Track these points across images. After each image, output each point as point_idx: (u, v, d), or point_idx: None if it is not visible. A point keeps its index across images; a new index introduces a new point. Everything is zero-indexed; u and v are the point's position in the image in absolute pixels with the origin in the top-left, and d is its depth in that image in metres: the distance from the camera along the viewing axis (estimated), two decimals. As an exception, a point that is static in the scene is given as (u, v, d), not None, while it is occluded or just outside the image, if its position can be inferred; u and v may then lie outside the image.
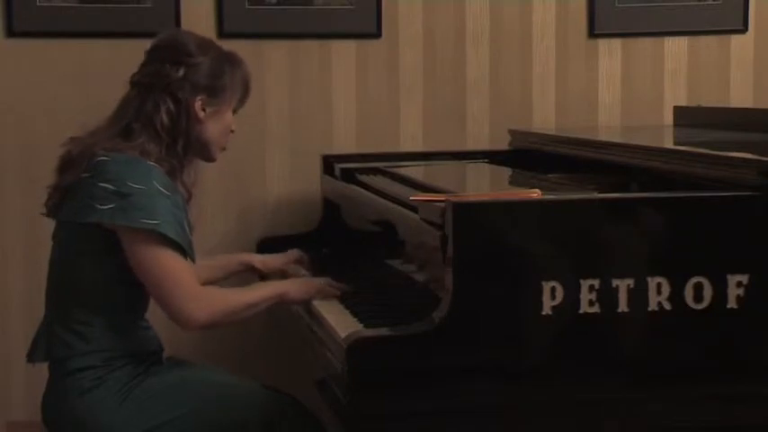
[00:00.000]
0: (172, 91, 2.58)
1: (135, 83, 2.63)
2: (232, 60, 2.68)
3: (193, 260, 2.55)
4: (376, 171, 3.17)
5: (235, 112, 2.70)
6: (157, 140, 2.55)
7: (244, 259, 3.07)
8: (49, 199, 2.60)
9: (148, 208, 2.44)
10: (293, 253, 3.11)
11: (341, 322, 2.48)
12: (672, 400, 2.28)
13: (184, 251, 2.49)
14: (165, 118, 2.56)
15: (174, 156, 2.58)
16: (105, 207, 2.44)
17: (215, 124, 2.64)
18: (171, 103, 2.58)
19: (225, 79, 2.64)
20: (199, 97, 2.60)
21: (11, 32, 3.46)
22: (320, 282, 2.74)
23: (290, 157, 3.63)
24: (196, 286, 2.49)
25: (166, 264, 2.46)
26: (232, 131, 2.71)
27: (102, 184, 2.46)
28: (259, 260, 3.07)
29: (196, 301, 2.46)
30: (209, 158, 2.70)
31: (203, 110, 2.61)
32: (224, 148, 2.72)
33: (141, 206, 2.43)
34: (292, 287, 2.69)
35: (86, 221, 2.47)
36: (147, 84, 2.60)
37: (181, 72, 2.59)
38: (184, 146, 2.60)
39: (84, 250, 2.52)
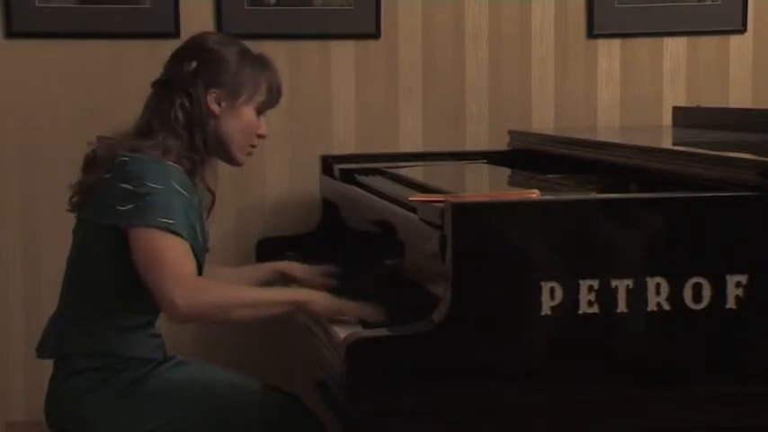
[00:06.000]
0: (185, 86, 2.59)
1: (154, 83, 2.65)
2: (257, 61, 2.68)
3: (200, 264, 2.53)
4: (375, 171, 3.17)
5: (260, 113, 2.68)
6: (176, 136, 2.56)
7: (275, 267, 2.98)
8: (72, 196, 2.61)
9: (165, 207, 2.44)
10: (328, 268, 2.97)
11: (340, 322, 2.48)
12: (671, 400, 2.28)
13: (196, 253, 2.49)
14: (179, 113, 2.57)
15: (195, 151, 2.58)
16: (124, 208, 2.44)
17: (233, 120, 2.64)
18: (185, 98, 2.58)
19: (243, 75, 2.63)
20: (212, 91, 2.61)
21: (10, 33, 3.46)
22: (351, 306, 2.52)
23: (289, 157, 3.63)
24: (187, 273, 2.43)
25: (163, 251, 2.42)
26: (261, 136, 2.70)
27: (122, 185, 2.46)
28: (287, 266, 2.98)
29: (183, 286, 2.39)
30: (232, 160, 2.69)
31: (218, 104, 2.61)
32: (250, 153, 2.71)
33: (158, 205, 2.43)
34: (314, 297, 2.54)
35: (105, 222, 2.47)
36: (164, 83, 2.62)
37: (193, 65, 2.60)
38: (204, 141, 2.59)
39: (100, 250, 2.52)
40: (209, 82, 2.60)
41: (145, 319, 2.58)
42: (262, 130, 2.70)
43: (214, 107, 2.61)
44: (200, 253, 2.53)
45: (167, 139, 2.55)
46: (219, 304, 2.47)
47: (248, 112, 2.66)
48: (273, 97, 2.70)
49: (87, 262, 2.55)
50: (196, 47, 2.65)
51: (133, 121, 2.62)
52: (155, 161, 2.51)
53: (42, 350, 2.61)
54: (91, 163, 2.57)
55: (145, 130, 2.58)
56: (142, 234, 2.44)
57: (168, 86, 2.61)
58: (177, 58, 2.65)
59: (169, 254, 2.43)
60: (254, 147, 2.72)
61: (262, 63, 2.69)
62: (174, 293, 2.38)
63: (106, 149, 2.55)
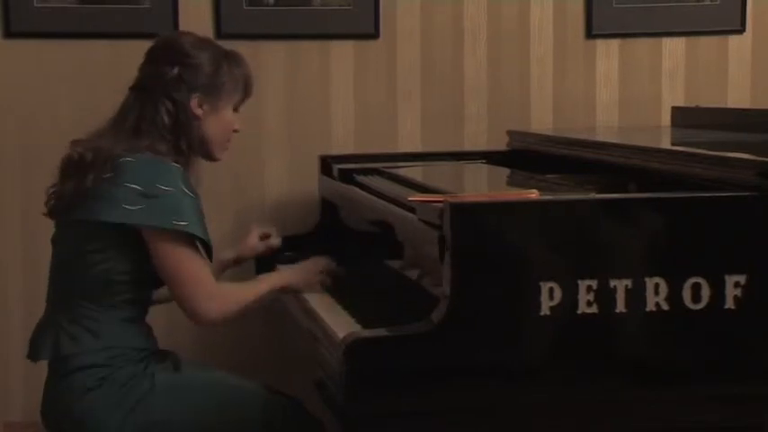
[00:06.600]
0: (168, 91, 2.61)
1: (133, 86, 2.66)
2: (231, 59, 2.71)
3: (211, 259, 2.60)
4: (374, 172, 3.17)
5: (236, 110, 2.73)
6: (164, 140, 2.59)
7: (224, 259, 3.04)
8: (54, 200, 2.61)
9: (177, 209, 2.49)
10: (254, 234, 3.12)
11: (339, 323, 2.49)
12: (670, 400, 2.28)
13: (208, 249, 2.56)
14: (165, 118, 2.60)
15: (181, 154, 2.62)
16: (134, 208, 2.47)
17: (214, 122, 2.67)
18: (169, 104, 2.61)
19: (222, 77, 2.67)
20: (195, 95, 2.63)
21: (8, 33, 3.46)
22: (317, 264, 2.86)
23: (288, 157, 3.63)
24: (213, 284, 2.56)
25: (189, 264, 2.52)
26: (236, 131, 2.75)
27: (129, 185, 2.49)
28: (232, 256, 3.06)
29: (213, 299, 2.54)
30: (212, 157, 2.73)
31: (200, 107, 2.64)
32: (226, 149, 2.75)
33: (171, 208, 2.48)
34: (293, 278, 2.81)
35: (111, 221, 2.49)
36: (145, 86, 2.64)
37: (175, 71, 2.62)
38: (188, 144, 2.64)
39: (96, 248, 2.53)
40: (191, 86, 2.63)
41: (138, 311, 2.61)
42: (237, 126, 2.75)
43: (197, 111, 2.65)
44: (212, 248, 2.59)
45: (157, 143, 2.58)
46: (240, 307, 2.62)
47: (227, 112, 2.70)
48: (248, 92, 2.75)
49: (82, 261, 2.55)
50: (175, 51, 2.66)
51: (105, 123, 2.63)
52: (160, 162, 2.54)
53: (38, 353, 2.60)
54: (81, 165, 2.56)
55: (133, 133, 2.59)
56: (160, 237, 2.49)
57: (150, 91, 2.63)
58: (155, 62, 2.66)
59: (189, 263, 2.52)
60: (228, 142, 2.75)
61: (236, 61, 2.73)
62: (207, 306, 2.53)
63: (99, 151, 2.55)
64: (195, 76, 2.63)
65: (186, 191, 2.52)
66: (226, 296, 2.59)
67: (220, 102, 2.67)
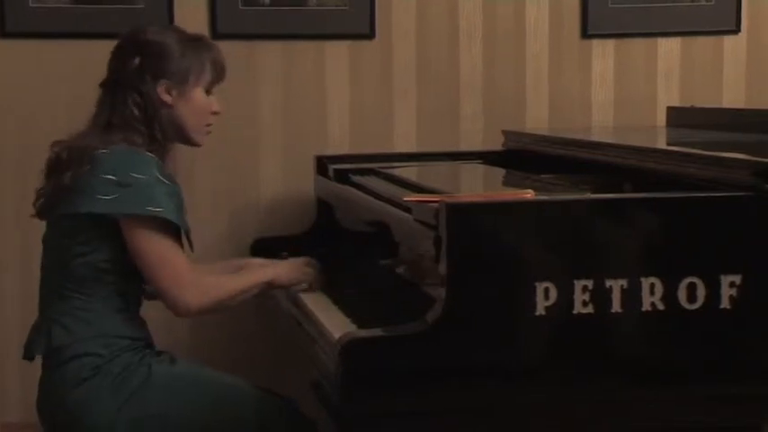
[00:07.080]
0: (133, 83, 2.63)
1: (102, 83, 2.69)
2: (195, 43, 2.72)
3: (191, 246, 2.60)
4: (369, 172, 3.17)
5: (209, 93, 2.72)
6: (138, 132, 2.61)
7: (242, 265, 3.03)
8: (41, 200, 2.63)
9: (152, 196, 2.50)
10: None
11: (335, 323, 2.49)
12: (667, 400, 2.28)
13: (187, 236, 2.57)
14: (134, 110, 2.62)
15: (156, 143, 2.63)
16: (109, 197, 2.49)
17: (186, 106, 2.68)
18: (136, 94, 2.63)
19: (187, 60, 2.67)
20: (161, 82, 2.64)
21: (4, 33, 3.46)
22: (305, 265, 2.84)
23: (283, 157, 3.63)
24: (191, 274, 2.55)
25: (164, 252, 2.52)
26: (215, 113, 2.74)
27: (104, 176, 2.51)
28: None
29: (190, 288, 2.53)
30: (191, 142, 2.74)
31: (169, 93, 2.65)
32: (208, 132, 2.75)
33: (145, 195, 2.50)
34: (278, 273, 2.78)
35: (90, 212, 2.51)
36: (113, 81, 2.66)
37: (137, 61, 2.64)
38: (162, 132, 2.64)
39: (81, 241, 2.55)
40: (155, 74, 2.64)
41: (130, 301, 2.61)
42: (215, 108, 2.75)
43: (166, 97, 2.65)
44: (188, 234, 2.59)
45: (131, 135, 2.60)
46: (219, 299, 2.61)
47: (198, 94, 2.70)
48: (219, 74, 2.74)
49: (71, 255, 2.56)
50: (136, 42, 2.68)
51: (85, 124, 2.66)
52: (134, 152, 2.56)
53: (32, 350, 2.62)
54: (58, 164, 2.58)
55: (107, 128, 2.61)
56: (136, 224, 2.50)
57: (117, 85, 2.65)
58: (119, 56, 2.68)
59: (164, 249, 2.51)
60: (210, 125, 2.75)
61: (202, 44, 2.73)
62: (184, 297, 2.53)
63: (74, 148, 2.57)
64: (158, 63, 2.64)
65: (161, 179, 2.54)
66: (205, 286, 2.58)
67: (188, 85, 2.67)
